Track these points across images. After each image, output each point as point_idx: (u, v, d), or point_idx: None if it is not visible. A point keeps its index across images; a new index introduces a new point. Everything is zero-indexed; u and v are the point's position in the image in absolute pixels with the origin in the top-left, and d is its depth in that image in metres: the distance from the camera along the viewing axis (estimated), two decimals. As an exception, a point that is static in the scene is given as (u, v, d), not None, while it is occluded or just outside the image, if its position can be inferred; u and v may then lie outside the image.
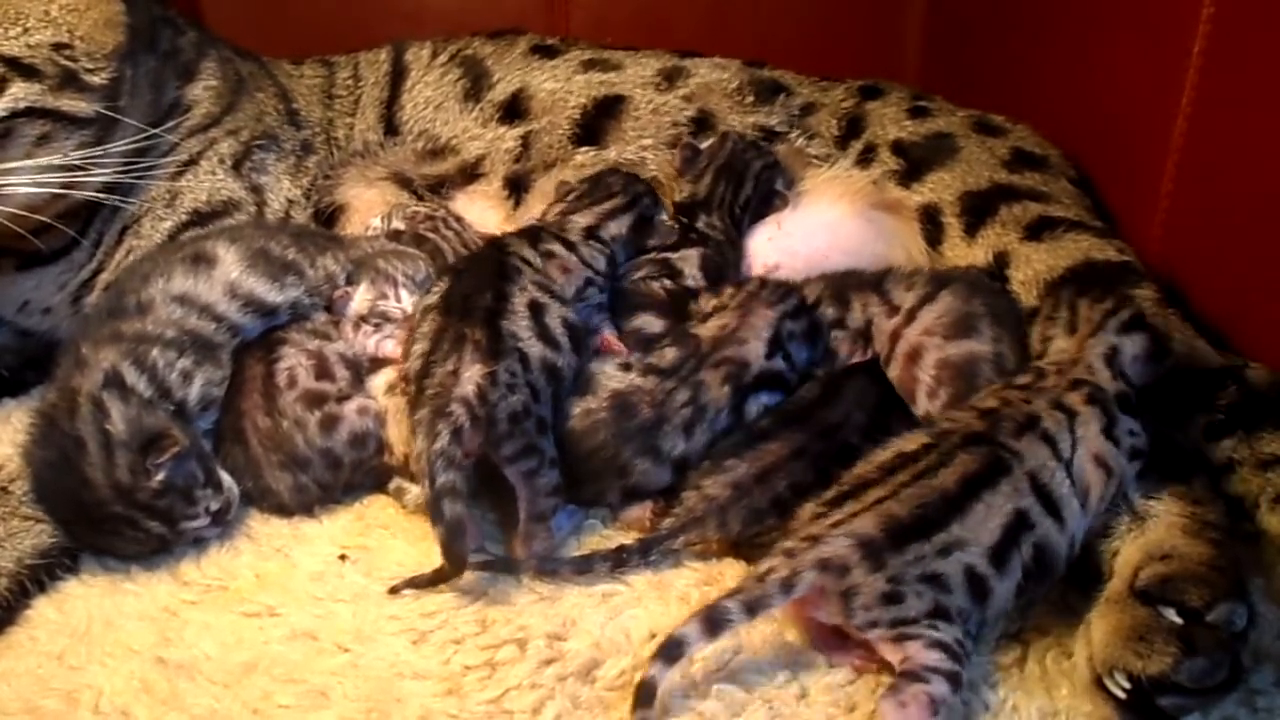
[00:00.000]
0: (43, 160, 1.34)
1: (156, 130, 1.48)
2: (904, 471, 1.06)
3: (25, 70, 1.33)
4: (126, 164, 1.43)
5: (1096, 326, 1.17)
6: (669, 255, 1.44)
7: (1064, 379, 1.14)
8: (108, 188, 1.43)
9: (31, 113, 1.33)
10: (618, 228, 1.44)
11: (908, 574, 0.98)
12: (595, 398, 1.23)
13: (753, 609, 0.96)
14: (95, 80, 1.38)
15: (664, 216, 1.49)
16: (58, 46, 1.35)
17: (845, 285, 1.35)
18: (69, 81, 1.36)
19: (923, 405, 1.23)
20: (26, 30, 1.33)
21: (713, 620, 0.95)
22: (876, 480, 1.06)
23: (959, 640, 0.97)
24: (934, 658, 0.95)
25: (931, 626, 0.97)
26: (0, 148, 1.31)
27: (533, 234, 1.38)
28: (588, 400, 1.23)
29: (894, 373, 1.26)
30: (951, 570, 0.99)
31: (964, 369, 1.23)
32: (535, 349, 1.21)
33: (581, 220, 1.43)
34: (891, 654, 0.98)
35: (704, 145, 1.58)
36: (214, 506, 1.20)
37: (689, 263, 1.41)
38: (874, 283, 1.34)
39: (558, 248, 1.36)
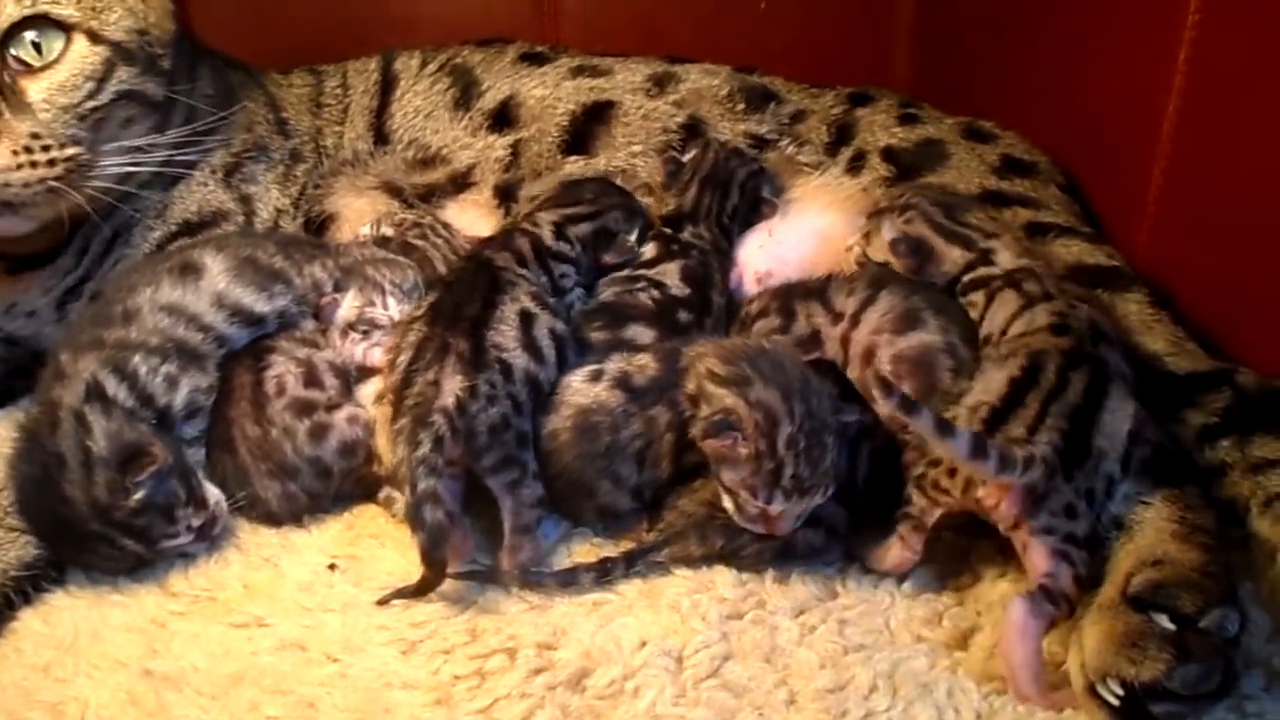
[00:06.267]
0: (126, 142, 1.42)
1: (208, 118, 1.52)
2: (1031, 395, 1.09)
3: (126, 54, 1.41)
4: (176, 148, 1.48)
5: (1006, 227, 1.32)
6: (646, 272, 1.42)
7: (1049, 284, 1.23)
8: (120, 178, 1.45)
9: (129, 95, 1.41)
10: (579, 231, 1.43)
11: (1080, 489, 1.05)
12: (559, 415, 1.21)
13: (1002, 466, 1.01)
14: (165, 65, 1.47)
15: (631, 238, 1.47)
16: (140, 32, 1.42)
17: (791, 295, 1.35)
18: (150, 66, 1.44)
19: (884, 403, 1.22)
20: (119, 16, 1.40)
21: (975, 443, 1.01)
22: (1013, 405, 1.09)
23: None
24: (1071, 590, 1.03)
25: (1080, 556, 1.04)
26: (101, 128, 1.39)
27: (511, 246, 1.37)
28: (552, 419, 1.21)
29: (853, 374, 1.26)
30: (1099, 486, 1.07)
31: (920, 360, 1.23)
32: (520, 360, 1.20)
33: (548, 217, 1.43)
34: (1040, 563, 1.04)
35: (686, 157, 1.57)
36: (195, 523, 1.19)
37: (669, 275, 1.41)
38: (818, 291, 1.34)
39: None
